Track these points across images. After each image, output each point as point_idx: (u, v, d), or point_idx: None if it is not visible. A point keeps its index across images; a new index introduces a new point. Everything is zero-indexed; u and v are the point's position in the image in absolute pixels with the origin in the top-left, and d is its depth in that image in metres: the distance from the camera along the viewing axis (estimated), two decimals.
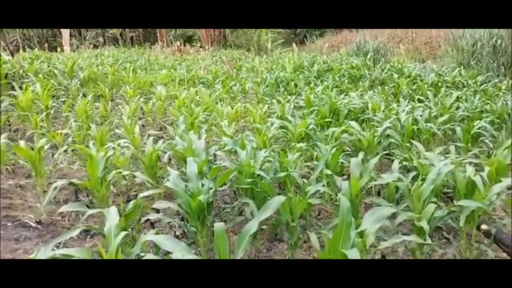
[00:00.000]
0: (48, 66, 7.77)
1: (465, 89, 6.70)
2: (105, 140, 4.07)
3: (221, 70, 9.73)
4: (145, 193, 2.15)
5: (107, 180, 2.67)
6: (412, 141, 3.42)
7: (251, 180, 2.44)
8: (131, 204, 1.98)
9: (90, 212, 1.95)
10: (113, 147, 2.95)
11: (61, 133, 3.91)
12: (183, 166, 3.87)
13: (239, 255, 1.40)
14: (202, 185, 2.24)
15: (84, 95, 6.00)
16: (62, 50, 17.33)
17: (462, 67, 9.31)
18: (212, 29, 23.01)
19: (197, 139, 3.25)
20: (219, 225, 1.45)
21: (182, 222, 2.34)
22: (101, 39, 24.70)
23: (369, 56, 11.35)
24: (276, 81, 8.07)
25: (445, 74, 8.30)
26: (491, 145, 3.98)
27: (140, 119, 5.50)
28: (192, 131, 3.84)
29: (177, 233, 2.86)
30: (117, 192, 3.51)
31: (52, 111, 5.25)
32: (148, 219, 2.33)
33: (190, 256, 1.33)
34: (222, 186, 2.27)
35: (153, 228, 2.83)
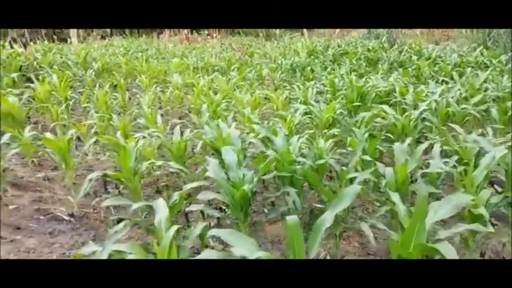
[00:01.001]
0: (61, 57, 7.69)
1: (490, 69, 6.47)
2: (128, 130, 4.00)
3: (234, 57, 9.57)
4: (192, 184, 2.06)
5: (139, 171, 2.59)
6: (449, 124, 3.27)
7: (291, 167, 2.33)
8: (176, 195, 1.89)
9: (136, 206, 1.86)
10: (143, 137, 2.85)
11: (84, 124, 3.83)
12: (211, 155, 3.80)
13: (313, 253, 1.30)
14: (244, 175, 2.15)
15: (100, 86, 5.92)
16: (70, 42, 17.26)
17: (482, 47, 9.02)
18: None
19: (226, 127, 3.15)
20: (292, 219, 1.34)
21: (223, 213, 2.25)
22: (108, 29, 24.52)
23: (383, 39, 11.06)
24: (291, 66, 7.90)
25: (466, 54, 8.06)
26: None
27: (160, 108, 5.41)
28: (219, 119, 3.74)
29: (212, 224, 2.79)
30: (144, 183, 3.44)
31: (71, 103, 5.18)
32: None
33: (260, 253, 1.23)
34: (264, 174, 2.16)
35: (187, 220, 2.76)
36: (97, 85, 5.77)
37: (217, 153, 2.97)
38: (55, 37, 16.43)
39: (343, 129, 3.96)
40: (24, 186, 3.13)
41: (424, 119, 3.43)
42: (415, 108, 3.96)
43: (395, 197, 2.08)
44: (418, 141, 3.44)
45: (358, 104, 4.11)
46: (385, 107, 3.68)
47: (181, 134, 3.31)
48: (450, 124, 3.22)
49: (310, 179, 2.21)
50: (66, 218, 2.73)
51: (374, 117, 3.68)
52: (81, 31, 22.23)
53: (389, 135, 3.35)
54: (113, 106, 5.23)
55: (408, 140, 2.63)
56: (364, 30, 15.49)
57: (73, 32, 19.22)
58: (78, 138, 4.23)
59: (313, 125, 4.29)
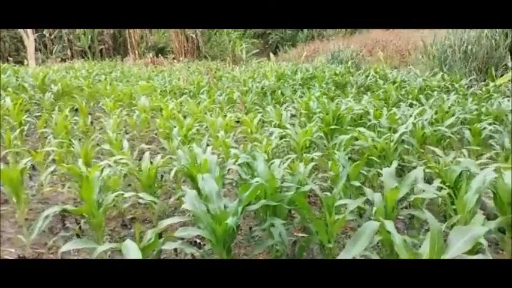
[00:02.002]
0: (17, 79, 7.18)
1: (453, 92, 6.70)
2: (90, 157, 3.67)
3: (202, 81, 9.40)
4: (168, 221, 1.79)
5: (104, 204, 2.29)
6: (428, 146, 3.23)
7: (278, 195, 2.13)
8: (150, 233, 1.62)
9: (101, 249, 1.57)
10: (109, 165, 2.56)
11: (41, 151, 3.45)
12: (181, 183, 3.52)
13: None
14: (225, 206, 1.92)
15: (60, 109, 5.50)
16: (27, 64, 16.45)
17: (442, 73, 9.44)
18: (185, 40, 22.70)
19: (201, 152, 2.92)
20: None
21: (201, 251, 2.00)
22: (68, 52, 23.76)
23: (349, 63, 11.36)
24: (262, 90, 7.83)
25: (428, 79, 8.36)
26: (497, 147, 3.88)
27: (126, 133, 5.08)
28: (190, 144, 3.50)
29: None
30: (108, 216, 3.10)
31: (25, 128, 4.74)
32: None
33: None
34: (249, 204, 1.94)
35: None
36: (56, 109, 5.35)
37: (192, 181, 2.72)
38: (10, 59, 15.61)
39: (320, 152, 3.84)
40: None
41: (403, 142, 3.38)
42: (390, 131, 3.94)
43: (389, 225, 1.93)
44: (398, 165, 3.37)
45: (334, 126, 4.02)
46: (362, 129, 3.60)
47: (151, 160, 3.04)
48: (429, 146, 3.18)
49: (300, 207, 2.01)
50: None
51: (352, 140, 3.59)
52: (39, 54, 21.38)
53: (372, 158, 3.25)
54: (74, 131, 4.85)
55: (395, 164, 2.51)
56: (328, 56, 15.99)
57: (31, 54, 18.39)
58: (33, 167, 3.83)
59: (290, 149, 4.15)
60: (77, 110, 6.13)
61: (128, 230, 2.90)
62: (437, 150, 3.11)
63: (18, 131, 4.11)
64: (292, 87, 8.31)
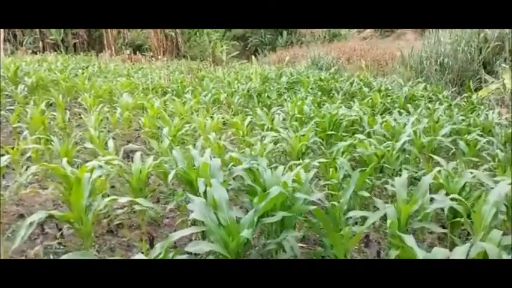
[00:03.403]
0: None
1: (437, 102, 6.80)
2: (71, 156, 3.38)
3: (185, 80, 9.13)
4: (180, 233, 1.57)
5: (95, 210, 2.05)
6: (431, 155, 3.17)
7: (294, 206, 1.98)
8: (160, 247, 1.42)
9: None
10: (100, 166, 2.32)
11: (18, 148, 3.13)
12: (169, 188, 3.30)
13: None
14: (237, 217, 1.74)
15: (35, 103, 5.12)
16: None
17: (424, 83, 9.61)
18: (164, 39, 22.27)
19: (197, 154, 2.72)
20: None
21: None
22: (40, 44, 22.74)
23: (332, 70, 11.40)
24: (248, 92, 7.68)
25: (411, 88, 8.47)
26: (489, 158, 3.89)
27: (107, 131, 4.78)
28: (184, 145, 3.29)
29: None
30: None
31: None
32: None
33: None
34: (263, 216, 1.77)
35: None
36: (31, 103, 4.97)
37: (190, 186, 2.52)
38: None
39: (316, 158, 3.72)
40: None
41: (404, 150, 3.31)
42: (385, 139, 3.88)
43: (409, 240, 1.82)
44: (397, 174, 3.29)
45: (331, 132, 3.92)
46: (361, 136, 3.51)
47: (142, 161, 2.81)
48: (432, 155, 3.12)
49: (319, 219, 1.85)
50: None
51: (350, 147, 3.49)
52: (8, 45, 20.30)
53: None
54: (51, 127, 4.51)
55: (405, 173, 2.41)
56: (308, 62, 16.08)
57: None
58: (6, 166, 3.49)
59: (285, 154, 4.01)
60: (51, 104, 5.75)
61: (116, 237, 2.66)
62: (441, 160, 3.05)
63: None
64: (278, 91, 8.21)
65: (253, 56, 17.84)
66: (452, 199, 2.50)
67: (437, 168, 2.34)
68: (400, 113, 5.79)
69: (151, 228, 2.88)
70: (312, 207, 1.73)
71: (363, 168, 2.99)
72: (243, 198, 2.90)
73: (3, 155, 3.40)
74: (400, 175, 3.29)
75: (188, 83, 9.02)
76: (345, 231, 1.84)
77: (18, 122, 4.39)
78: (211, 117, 5.05)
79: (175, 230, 2.90)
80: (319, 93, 7.93)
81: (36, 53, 18.76)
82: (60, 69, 8.61)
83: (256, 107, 6.54)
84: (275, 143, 3.90)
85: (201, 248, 1.50)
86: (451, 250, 2.43)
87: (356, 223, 2.62)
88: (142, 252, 2.47)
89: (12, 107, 4.91)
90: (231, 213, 1.75)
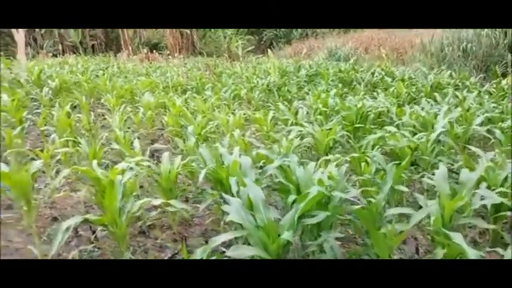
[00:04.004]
0: (11, 73, 6.82)
1: (465, 90, 6.55)
2: (99, 158, 3.39)
3: (204, 77, 9.12)
4: (222, 237, 1.52)
5: (129, 212, 2.04)
6: (468, 146, 3.03)
7: (336, 206, 1.90)
8: (201, 252, 1.38)
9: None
10: (130, 168, 2.30)
11: (49, 152, 3.17)
12: (198, 188, 3.27)
13: None
14: (275, 218, 1.68)
15: (60, 106, 5.19)
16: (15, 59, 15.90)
17: (449, 70, 9.30)
18: (180, 36, 22.35)
19: (226, 152, 2.67)
20: None
21: None
22: (59, 47, 23.18)
23: (351, 60, 11.18)
24: (267, 86, 7.60)
25: (437, 76, 8.20)
26: None
27: (132, 131, 4.80)
28: (210, 143, 3.25)
29: None
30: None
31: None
32: None
33: None
34: (303, 217, 1.71)
35: None
36: (56, 105, 5.04)
37: (220, 185, 2.48)
38: (1, 53, 15.10)
39: (344, 152, 3.63)
40: None
41: (439, 142, 3.17)
42: (416, 130, 3.74)
43: (458, 238, 1.72)
44: (432, 167, 3.17)
45: (359, 125, 3.81)
46: (392, 128, 3.39)
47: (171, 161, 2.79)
48: (470, 147, 2.97)
49: (361, 220, 1.78)
50: None
51: (381, 140, 3.38)
52: (29, 49, 20.77)
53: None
54: (77, 129, 4.56)
55: (443, 166, 2.30)
56: (326, 53, 15.82)
57: (21, 49, 17.82)
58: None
59: (311, 149, 3.93)
60: (75, 106, 5.82)
61: (148, 238, 2.65)
62: (477, 150, 2.91)
63: (19, 129, 3.81)
64: (298, 84, 8.10)
65: (269, 50, 17.66)
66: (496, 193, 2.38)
67: (484, 163, 2.21)
68: (427, 102, 5.61)
69: (181, 228, 2.87)
70: (356, 207, 1.65)
71: (396, 162, 2.89)
72: (274, 197, 2.85)
73: (33, 159, 3.45)
74: (435, 168, 3.18)
75: (207, 79, 9.01)
76: (388, 230, 1.76)
77: (45, 125, 4.45)
78: (233, 113, 5.01)
79: (205, 230, 2.90)
80: (340, 85, 7.77)
81: (56, 56, 19.15)
82: (82, 71, 8.74)
83: (277, 101, 6.46)
84: (301, 138, 3.83)
85: (242, 253, 1.44)
86: (492, 246, 2.33)
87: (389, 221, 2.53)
88: (177, 253, 2.46)
89: (38, 110, 4.99)
90: (269, 214, 1.69)
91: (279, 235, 1.61)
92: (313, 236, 2.02)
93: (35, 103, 5.80)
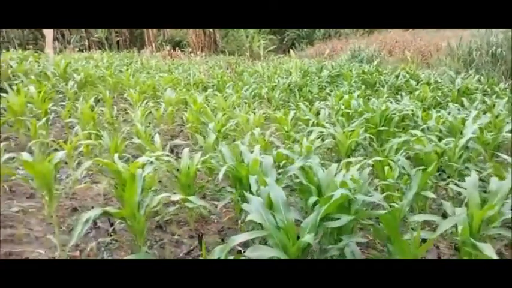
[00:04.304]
0: (39, 66, 7.00)
1: (494, 96, 6.31)
2: (120, 151, 3.42)
3: (226, 75, 9.13)
4: (241, 237, 1.47)
5: (148, 207, 2.03)
6: (498, 153, 2.91)
7: (361, 210, 1.84)
8: (219, 251, 1.35)
9: None
10: (151, 162, 2.30)
11: (72, 143, 3.21)
12: (224, 184, 3.24)
13: None
14: (296, 220, 1.64)
15: (85, 99, 5.28)
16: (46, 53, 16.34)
17: (477, 75, 9.00)
18: (203, 34, 22.50)
19: (246, 150, 2.64)
20: None
21: None
22: (86, 42, 23.73)
23: (375, 62, 10.98)
24: (288, 86, 7.54)
25: (464, 81, 7.95)
26: None
27: (154, 126, 4.84)
28: (230, 141, 3.23)
29: None
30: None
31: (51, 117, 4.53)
32: None
33: None
34: (325, 218, 1.66)
35: None
36: (81, 98, 5.13)
37: (239, 184, 2.44)
38: (30, 47, 15.56)
39: (365, 155, 3.54)
40: None
41: (467, 148, 3.05)
42: (442, 135, 3.62)
43: (487, 249, 1.63)
44: (459, 174, 3.05)
45: (383, 128, 3.71)
46: (418, 132, 3.28)
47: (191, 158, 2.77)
48: (500, 154, 2.85)
49: (385, 226, 1.71)
50: None
51: (405, 144, 3.27)
52: (57, 43, 21.35)
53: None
54: (100, 122, 4.63)
55: (474, 174, 2.20)
56: (348, 55, 15.59)
57: (49, 43, 18.32)
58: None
59: (331, 150, 3.86)
60: (99, 100, 5.91)
61: (165, 233, 2.65)
62: (507, 158, 2.78)
63: (43, 120, 3.89)
64: (319, 85, 8.00)
65: (291, 50, 17.58)
66: None
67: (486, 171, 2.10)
68: (454, 107, 5.43)
69: (198, 224, 2.85)
70: (380, 212, 1.59)
71: (421, 167, 2.79)
72: (293, 198, 2.80)
73: (56, 150, 3.51)
74: (462, 174, 3.06)
75: (228, 78, 9.02)
76: (413, 237, 1.68)
77: (69, 117, 4.53)
78: (253, 112, 4.97)
79: (222, 227, 2.88)
80: (363, 87, 7.63)
81: (82, 51, 19.61)
82: (106, 66, 8.90)
83: (298, 101, 6.40)
84: (322, 139, 3.76)
85: (261, 254, 1.39)
86: None
87: (412, 227, 2.44)
88: (193, 249, 2.44)
89: (63, 103, 5.09)
90: (289, 215, 1.65)
91: (298, 237, 1.56)
92: (333, 240, 1.97)
93: (60, 95, 5.93)
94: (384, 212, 1.56)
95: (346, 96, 5.07)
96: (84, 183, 3.03)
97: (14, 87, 4.80)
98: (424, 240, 1.88)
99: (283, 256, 1.45)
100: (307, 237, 1.44)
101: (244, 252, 1.42)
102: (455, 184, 2.29)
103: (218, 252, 1.35)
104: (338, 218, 1.81)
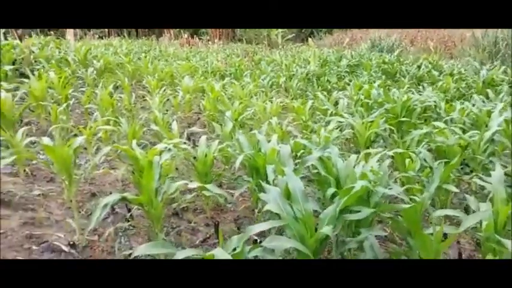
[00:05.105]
0: (60, 52, 7.10)
1: None
2: (138, 137, 3.44)
3: (243, 63, 9.07)
4: (257, 227, 1.45)
5: (166, 194, 2.03)
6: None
7: (363, 199, 1.80)
8: (237, 240, 1.33)
9: (183, 255, 1.28)
10: (169, 149, 2.30)
11: (91, 129, 3.25)
12: (240, 172, 3.23)
13: None
14: (314, 211, 1.60)
15: (104, 85, 5.33)
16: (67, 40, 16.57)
17: (504, 66, 8.67)
18: None
19: (264, 139, 2.61)
20: None
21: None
22: (106, 30, 23.91)
23: (396, 52, 10.70)
24: (306, 75, 7.43)
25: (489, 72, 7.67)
26: None
27: (171, 114, 4.85)
28: (246, 129, 3.21)
29: None
30: None
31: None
32: None
33: None
34: (344, 212, 1.62)
35: None
36: (100, 85, 5.18)
37: (256, 173, 2.42)
38: (51, 33, 15.78)
39: (385, 147, 3.46)
40: (14, 204, 2.53)
41: (493, 141, 2.94)
42: (466, 127, 3.50)
43: None
44: (483, 167, 2.95)
45: (404, 119, 3.61)
46: (440, 124, 3.18)
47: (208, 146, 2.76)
48: None
49: (407, 222, 1.65)
50: (66, 248, 2.15)
51: (426, 136, 3.18)
52: (78, 30, 21.58)
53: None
54: (118, 108, 4.66)
55: (499, 167, 2.11)
56: (368, 44, 15.24)
57: (69, 30, 18.56)
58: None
59: (350, 141, 3.79)
60: (118, 87, 5.96)
61: (182, 220, 2.66)
62: None
63: (64, 105, 3.94)
64: (338, 75, 7.86)
65: (309, 39, 17.31)
66: None
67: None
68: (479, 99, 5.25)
69: (214, 212, 2.86)
70: (404, 206, 1.53)
71: (443, 160, 2.70)
72: (311, 189, 2.76)
73: (76, 135, 3.56)
74: (486, 169, 2.96)
75: (245, 66, 8.96)
76: (436, 232, 1.63)
77: (89, 103, 4.59)
78: (271, 101, 4.92)
79: (238, 216, 2.87)
80: (383, 77, 7.46)
81: (102, 38, 19.81)
82: (125, 53, 8.96)
83: (316, 91, 6.30)
84: (340, 130, 3.69)
85: (280, 244, 1.37)
86: None
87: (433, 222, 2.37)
88: (209, 237, 2.45)
89: (83, 89, 5.15)
90: (307, 206, 1.61)
91: (315, 229, 1.54)
92: (351, 232, 1.93)
93: (80, 82, 6.00)
94: (407, 206, 1.51)
95: (366, 86, 4.94)
96: (103, 168, 3.07)
97: (36, 73, 4.88)
98: (445, 235, 1.83)
99: (301, 247, 1.42)
100: (326, 229, 1.41)
101: (261, 242, 1.40)
102: (480, 178, 2.21)
103: (235, 242, 1.33)
104: (357, 211, 1.77)
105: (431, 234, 1.68)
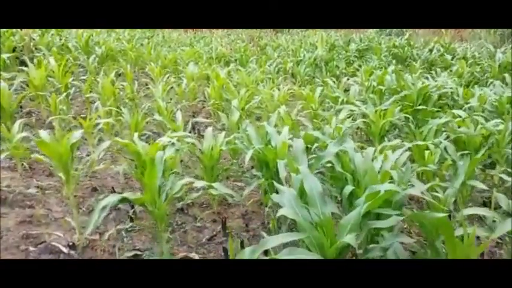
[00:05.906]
0: (61, 39, 6.90)
1: None
2: (141, 129, 3.30)
3: (249, 49, 8.82)
4: (275, 241, 1.27)
5: (170, 193, 1.89)
6: None
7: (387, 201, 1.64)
8: (249, 252, 1.18)
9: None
10: (172, 143, 2.14)
11: (91, 121, 3.10)
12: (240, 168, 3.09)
13: None
14: (334, 213, 1.45)
15: (106, 73, 5.16)
16: None
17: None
18: None
19: (274, 132, 2.44)
20: None
21: None
22: None
23: (407, 35, 10.36)
24: (314, 61, 7.19)
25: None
26: None
27: (175, 102, 4.68)
28: (254, 119, 3.04)
29: None
30: None
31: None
32: None
33: None
34: (368, 218, 1.46)
35: None
36: (101, 73, 5.01)
37: (265, 168, 2.27)
38: None
39: (400, 137, 3.29)
40: (11, 201, 2.40)
41: None
42: (483, 115, 3.31)
43: None
44: (507, 160, 2.76)
45: (420, 107, 3.42)
46: (461, 112, 2.99)
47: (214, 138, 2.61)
48: None
49: (441, 229, 1.47)
50: (65, 249, 2.02)
51: (445, 125, 3.00)
52: None
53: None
54: (120, 97, 4.50)
55: None
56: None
57: None
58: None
59: (362, 131, 3.61)
60: (120, 74, 5.78)
61: (187, 216, 2.53)
62: None
63: (64, 95, 3.79)
64: (347, 59, 7.61)
65: None
66: None
67: None
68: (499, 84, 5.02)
69: (221, 208, 2.72)
70: (437, 215, 1.36)
71: (464, 152, 2.53)
72: (324, 185, 2.60)
73: (76, 126, 3.42)
74: (510, 161, 2.77)
75: (251, 51, 8.72)
76: (468, 235, 1.47)
77: (90, 92, 4.43)
78: (278, 88, 4.73)
79: (246, 211, 2.73)
80: (394, 61, 7.21)
81: None
82: (128, 39, 8.73)
83: (325, 77, 6.09)
84: (353, 119, 3.51)
85: (297, 257, 1.21)
86: None
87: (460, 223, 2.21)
88: (216, 234, 2.31)
89: (84, 77, 4.99)
90: (325, 209, 1.46)
91: (335, 235, 1.38)
92: (370, 235, 1.78)
93: (82, 69, 5.83)
94: (441, 215, 1.34)
95: (378, 72, 4.72)
96: (104, 163, 2.93)
97: (35, 61, 4.72)
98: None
99: (317, 256, 1.27)
100: (348, 238, 1.26)
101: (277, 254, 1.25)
102: (509, 174, 2.04)
103: (248, 254, 1.19)
104: (380, 213, 1.62)
105: (462, 237, 1.52)
